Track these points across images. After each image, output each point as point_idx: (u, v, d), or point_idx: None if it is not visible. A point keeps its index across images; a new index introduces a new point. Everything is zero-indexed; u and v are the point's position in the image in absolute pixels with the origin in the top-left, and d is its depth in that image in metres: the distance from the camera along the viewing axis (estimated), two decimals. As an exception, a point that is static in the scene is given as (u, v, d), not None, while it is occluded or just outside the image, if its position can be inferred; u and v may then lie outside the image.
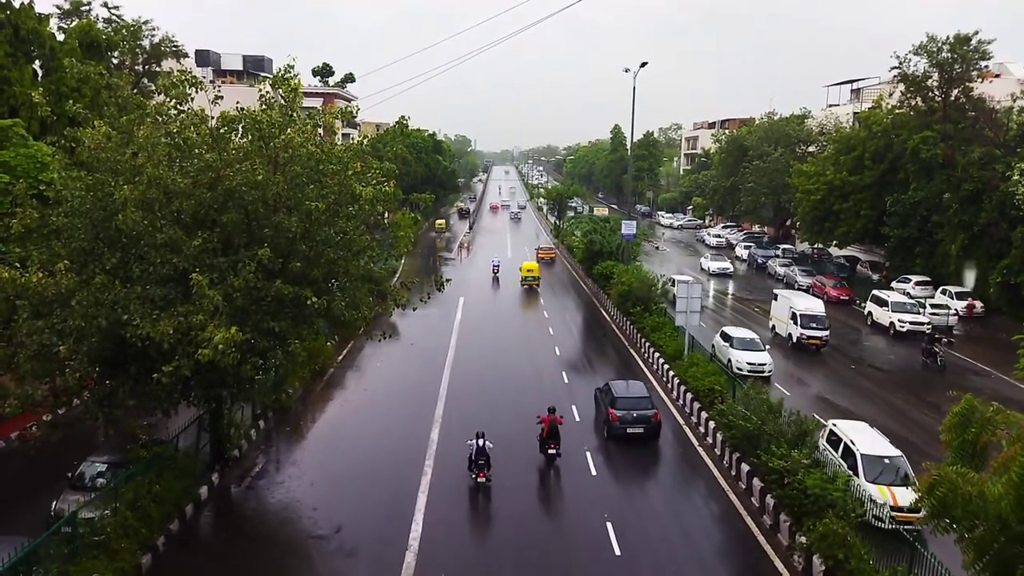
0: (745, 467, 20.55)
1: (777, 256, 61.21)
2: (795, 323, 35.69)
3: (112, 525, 15.47)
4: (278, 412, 25.72)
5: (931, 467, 9.53)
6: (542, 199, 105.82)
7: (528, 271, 52.06)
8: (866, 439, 19.45)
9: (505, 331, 39.50)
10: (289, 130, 18.32)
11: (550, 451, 22.07)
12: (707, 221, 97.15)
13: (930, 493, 9.37)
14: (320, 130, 20.97)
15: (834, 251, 60.95)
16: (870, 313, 41.62)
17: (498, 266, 57.47)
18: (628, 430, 23.66)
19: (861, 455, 18.66)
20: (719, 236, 79.56)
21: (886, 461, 18.44)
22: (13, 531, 14.69)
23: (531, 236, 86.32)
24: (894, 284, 46.87)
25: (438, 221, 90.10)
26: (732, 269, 60.28)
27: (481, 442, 20.46)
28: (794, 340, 35.76)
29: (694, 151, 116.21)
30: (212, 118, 18.55)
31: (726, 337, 32.18)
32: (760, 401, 21.39)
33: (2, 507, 17.95)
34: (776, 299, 39.03)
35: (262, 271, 16.91)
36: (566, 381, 30.57)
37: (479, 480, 20.40)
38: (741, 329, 33.43)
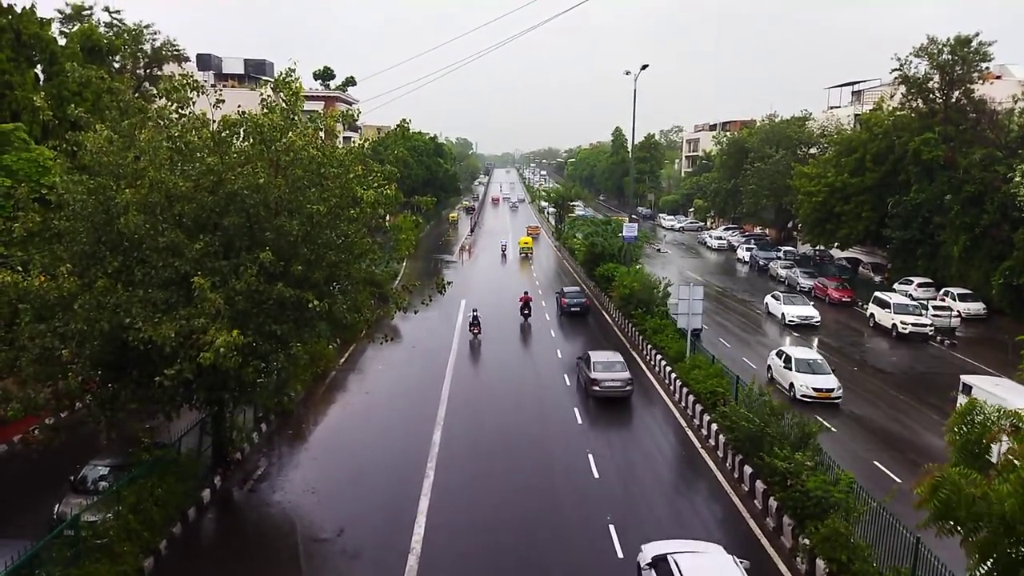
0: (748, 469, 20.52)
1: (779, 258, 61.15)
2: None
3: (114, 528, 15.49)
4: (280, 415, 25.71)
5: (934, 468, 9.48)
6: (543, 202, 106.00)
7: (524, 244, 72.86)
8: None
9: (507, 332, 39.44)
10: (290, 133, 18.35)
11: (524, 312, 40.47)
12: (709, 223, 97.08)
13: (933, 495, 9.31)
14: (321, 133, 21.04)
15: (836, 253, 60.84)
16: (872, 315, 41.56)
17: (505, 245, 73.46)
18: (571, 309, 42.19)
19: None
20: (721, 238, 79.62)
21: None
22: (16, 535, 14.72)
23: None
24: (896, 286, 46.83)
25: (451, 215, 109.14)
26: (819, 318, 41.26)
27: (476, 312, 36.58)
28: None
29: (695, 153, 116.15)
30: (214, 122, 18.59)
31: None
32: (763, 403, 21.37)
33: (5, 510, 17.96)
34: (969, 393, 22.59)
35: (264, 274, 16.92)
36: (567, 384, 30.53)
37: (475, 332, 36.12)
38: None
